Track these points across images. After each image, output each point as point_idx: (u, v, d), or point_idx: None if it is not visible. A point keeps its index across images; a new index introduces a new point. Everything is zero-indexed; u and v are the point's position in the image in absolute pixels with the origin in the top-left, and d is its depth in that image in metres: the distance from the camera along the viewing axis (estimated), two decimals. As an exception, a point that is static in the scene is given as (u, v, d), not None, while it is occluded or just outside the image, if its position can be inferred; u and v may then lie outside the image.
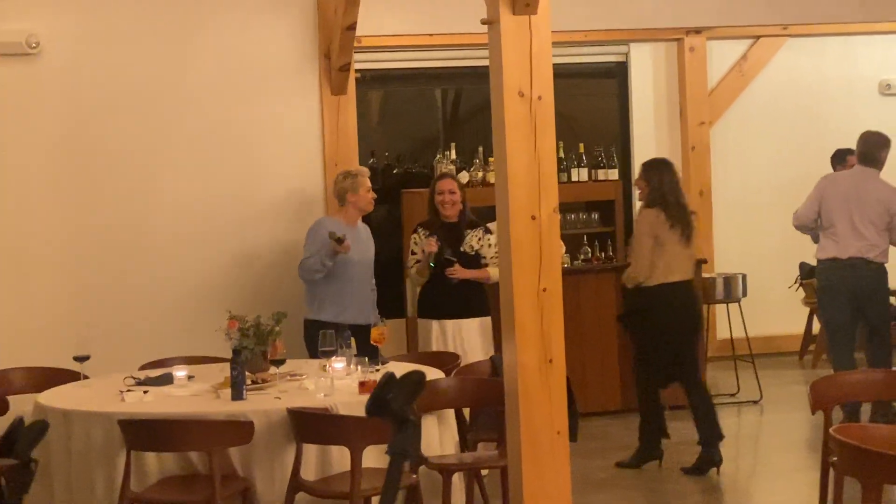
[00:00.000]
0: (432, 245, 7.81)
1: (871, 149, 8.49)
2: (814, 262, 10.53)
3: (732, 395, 9.64)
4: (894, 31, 10.18)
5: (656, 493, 7.18)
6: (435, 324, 7.90)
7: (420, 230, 7.99)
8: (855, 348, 8.62)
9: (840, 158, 10.30)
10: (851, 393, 5.90)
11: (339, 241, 7.41)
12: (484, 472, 6.44)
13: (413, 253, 8.01)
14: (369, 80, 10.46)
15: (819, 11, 9.33)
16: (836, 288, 8.38)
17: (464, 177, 9.59)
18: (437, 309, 7.92)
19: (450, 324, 7.86)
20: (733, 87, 11.41)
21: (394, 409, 3.09)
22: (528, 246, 5.14)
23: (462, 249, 7.88)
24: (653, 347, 7.62)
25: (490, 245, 7.88)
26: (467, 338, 7.84)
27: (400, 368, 6.45)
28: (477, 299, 7.92)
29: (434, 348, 7.76)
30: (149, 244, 8.31)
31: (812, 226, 8.70)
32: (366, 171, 7.87)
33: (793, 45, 11.43)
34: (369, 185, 7.74)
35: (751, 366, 9.71)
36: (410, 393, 3.17)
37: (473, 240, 7.90)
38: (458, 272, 7.78)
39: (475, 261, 7.88)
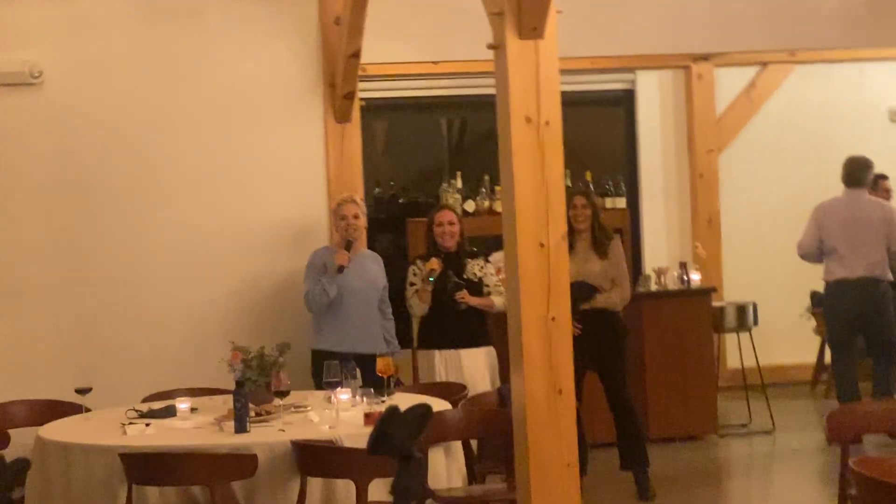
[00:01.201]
0: (434, 263, 7.66)
1: (856, 171, 8.92)
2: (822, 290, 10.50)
3: (744, 425, 9.51)
4: (904, 57, 10.11)
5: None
6: (438, 354, 7.74)
7: (418, 262, 7.87)
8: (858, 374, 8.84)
9: (874, 184, 10.16)
10: (868, 424, 5.76)
11: (340, 269, 7.39)
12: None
13: (412, 284, 7.86)
14: (374, 108, 10.39)
15: (827, 36, 9.25)
16: (846, 309, 8.64)
17: (470, 206, 9.51)
18: (441, 338, 7.74)
19: (453, 353, 7.70)
20: (741, 115, 11.34)
21: (397, 444, 2.90)
22: (536, 274, 5.04)
23: (465, 277, 7.76)
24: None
25: (491, 274, 7.80)
26: (472, 367, 7.68)
27: (405, 400, 6.40)
28: (481, 328, 7.81)
29: (437, 379, 7.60)
30: (151, 274, 8.21)
31: (816, 253, 8.91)
32: (350, 198, 7.74)
33: (801, 72, 11.36)
34: (352, 212, 7.63)
35: (762, 396, 9.58)
36: (415, 427, 2.98)
37: (475, 268, 7.79)
38: (466, 297, 7.65)
39: (478, 288, 7.77)
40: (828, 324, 9.02)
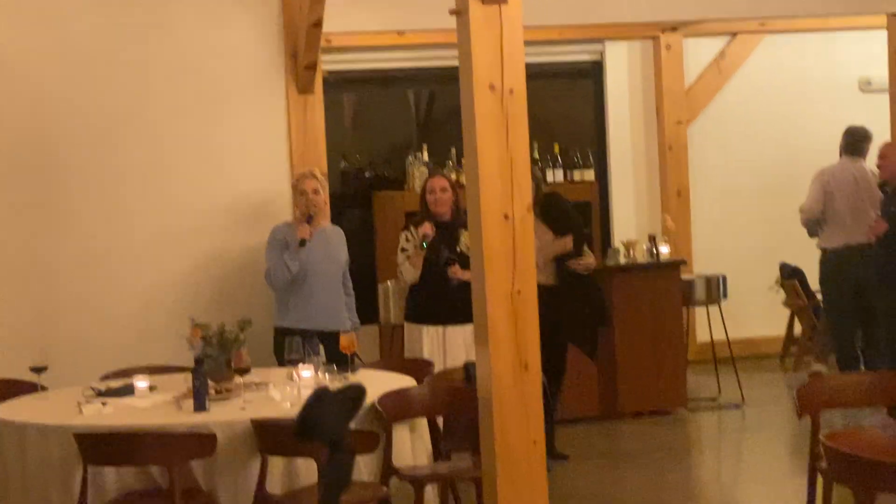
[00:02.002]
0: (427, 227, 7.45)
1: (857, 140, 9.18)
2: (795, 262, 10.47)
3: (713, 398, 9.44)
4: (874, 26, 9.98)
5: (638, 502, 6.95)
6: (429, 329, 7.51)
7: (412, 227, 7.63)
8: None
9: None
10: (839, 398, 5.68)
11: (302, 242, 7.24)
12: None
13: (403, 249, 7.58)
14: (341, 82, 10.25)
15: (797, 4, 9.13)
16: (846, 274, 8.85)
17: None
18: (432, 314, 7.49)
19: (442, 330, 7.51)
20: (711, 86, 11.24)
21: (326, 430, 2.65)
22: (500, 247, 4.93)
23: (459, 250, 7.50)
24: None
25: None
26: (460, 344, 7.45)
27: (371, 376, 6.30)
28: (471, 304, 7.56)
29: (427, 355, 7.38)
30: (110, 250, 8.04)
31: (820, 217, 9.10)
32: (310, 172, 7.55)
33: (771, 41, 11.27)
34: (312, 187, 7.43)
35: (732, 369, 9.52)
36: (347, 411, 2.72)
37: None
38: (458, 272, 7.44)
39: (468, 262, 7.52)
40: (830, 291, 9.20)
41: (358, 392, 2.70)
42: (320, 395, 2.69)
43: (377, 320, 8.98)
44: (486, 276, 4.93)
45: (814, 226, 9.26)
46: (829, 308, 9.42)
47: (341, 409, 2.62)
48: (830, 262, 9.10)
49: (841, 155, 9.35)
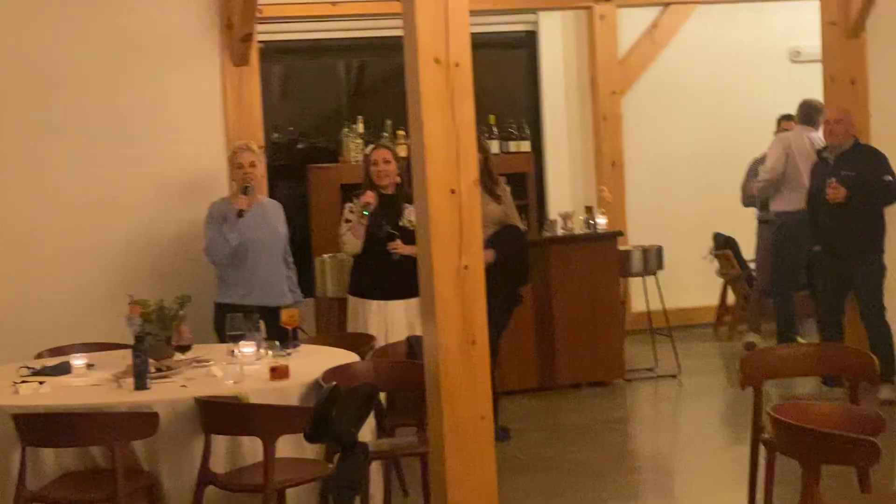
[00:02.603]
0: (369, 196, 7.36)
1: (812, 111, 9.36)
2: (728, 232, 10.55)
3: (650, 369, 9.49)
4: (804, -3, 10.05)
5: (575, 475, 6.96)
6: (372, 303, 7.42)
7: (355, 199, 7.54)
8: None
9: (777, 124, 10.20)
10: (782, 369, 5.72)
11: (240, 213, 7.12)
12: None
13: (347, 221, 7.45)
14: (272, 52, 10.12)
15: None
16: (805, 237, 8.80)
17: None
18: (376, 288, 7.39)
19: (389, 304, 7.37)
20: (644, 56, 11.27)
21: (339, 431, 2.54)
22: (447, 221, 4.87)
23: (401, 224, 7.38)
24: None
25: None
26: (404, 319, 7.34)
27: (313, 352, 6.24)
28: (415, 279, 7.49)
29: (370, 330, 7.26)
30: (43, 227, 7.87)
31: (780, 178, 9.31)
32: (246, 145, 7.41)
33: (702, 11, 11.32)
34: (248, 160, 7.28)
35: (668, 339, 9.57)
36: (359, 410, 2.61)
37: (413, 214, 7.43)
38: (399, 247, 7.36)
39: (414, 236, 7.43)
40: (789, 254, 9.37)
41: (369, 390, 2.61)
42: (332, 395, 2.57)
43: (313, 294, 8.91)
44: (433, 251, 4.88)
45: (772, 190, 9.38)
46: (781, 271, 9.47)
47: (354, 409, 2.52)
48: (788, 226, 9.22)
49: (797, 124, 9.56)
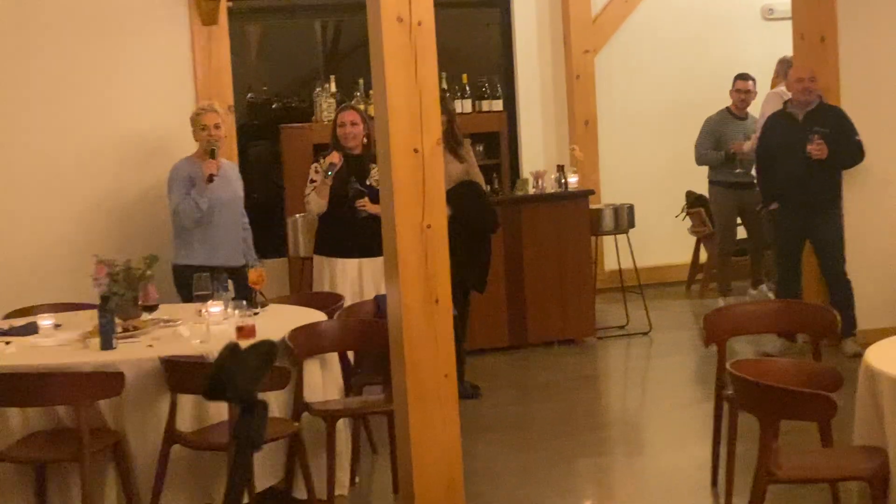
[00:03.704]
0: (334, 156, 7.37)
1: (789, 68, 8.92)
2: (700, 191, 10.59)
3: (622, 327, 9.54)
4: (777, -45, 10.07)
5: (546, 432, 7.02)
6: (339, 262, 7.44)
7: (321, 160, 7.54)
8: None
9: (733, 83, 10.22)
10: (744, 326, 5.77)
11: (210, 178, 7.08)
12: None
13: (312, 181, 7.47)
14: (245, 12, 10.07)
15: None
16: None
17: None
18: (342, 247, 7.42)
19: (352, 262, 7.44)
20: (617, 14, 11.24)
21: (238, 388, 2.56)
22: (410, 181, 4.89)
23: (368, 183, 7.39)
24: None
25: None
26: (370, 277, 7.39)
27: (281, 311, 6.26)
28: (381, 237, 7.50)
29: (337, 289, 7.29)
30: (10, 186, 7.84)
31: None
32: (210, 106, 7.32)
33: (676, -30, 11.29)
34: (213, 122, 7.19)
35: (639, 297, 9.62)
36: (258, 368, 2.63)
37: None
38: (367, 205, 7.32)
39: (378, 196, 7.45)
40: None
41: (269, 348, 2.63)
42: (230, 353, 2.59)
43: (286, 254, 8.92)
44: (396, 210, 4.91)
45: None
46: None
47: (253, 367, 2.55)
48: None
49: (782, 81, 9.47)
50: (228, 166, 7.44)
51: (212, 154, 7.13)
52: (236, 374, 2.51)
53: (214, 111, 7.26)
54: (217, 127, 7.22)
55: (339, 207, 7.37)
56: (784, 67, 9.59)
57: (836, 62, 8.47)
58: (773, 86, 9.98)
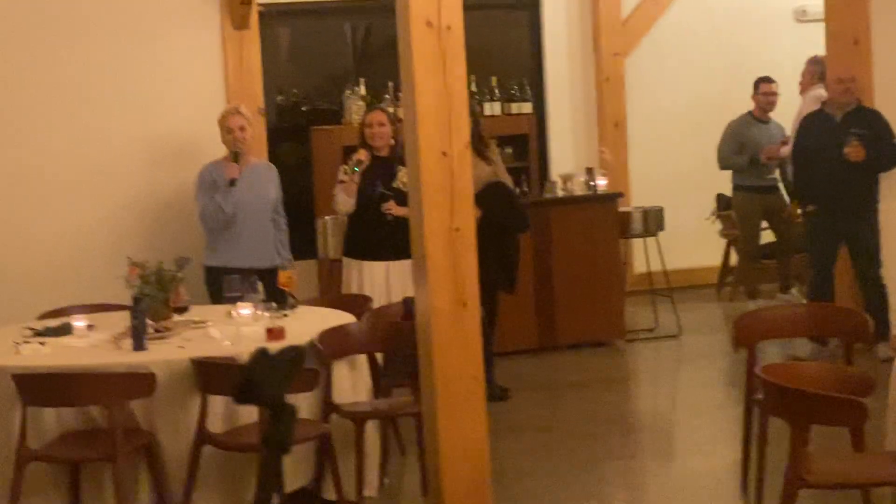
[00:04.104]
0: (361, 154, 7.40)
1: (825, 69, 8.88)
2: (730, 194, 10.56)
3: (650, 330, 9.53)
4: (809, -43, 10.05)
5: (574, 434, 7.02)
6: (366, 265, 7.47)
7: (350, 160, 7.57)
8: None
9: (755, 87, 10.21)
10: (774, 329, 5.76)
11: (232, 182, 7.13)
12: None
13: (341, 181, 7.48)
14: (276, 15, 10.12)
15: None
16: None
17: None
18: (370, 249, 7.46)
19: (382, 265, 7.45)
20: (647, 17, 11.24)
21: (267, 393, 2.60)
22: (438, 184, 4.91)
23: (394, 185, 7.43)
24: None
25: None
26: (398, 280, 7.41)
27: (310, 313, 6.29)
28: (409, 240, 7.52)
29: (365, 291, 7.31)
30: (44, 189, 7.94)
31: None
32: (235, 108, 7.40)
33: (707, -28, 11.28)
34: (238, 124, 7.28)
35: (669, 300, 9.60)
36: (286, 373, 2.67)
37: (406, 176, 7.45)
38: (393, 208, 7.38)
39: (405, 198, 7.49)
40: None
41: (296, 353, 2.66)
42: (259, 359, 2.63)
43: (315, 255, 8.96)
44: (425, 212, 4.93)
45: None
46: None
47: (282, 372, 2.58)
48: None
49: (820, 82, 9.39)
50: (263, 168, 7.50)
51: (234, 157, 7.19)
52: (265, 379, 2.55)
53: (240, 114, 7.32)
54: (242, 129, 7.29)
55: (366, 209, 7.41)
56: (818, 68, 9.53)
57: (870, 64, 8.44)
58: (804, 87, 9.94)
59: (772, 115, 10.14)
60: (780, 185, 10.05)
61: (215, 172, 7.27)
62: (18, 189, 7.91)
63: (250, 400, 2.63)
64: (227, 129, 7.31)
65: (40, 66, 7.91)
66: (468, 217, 4.95)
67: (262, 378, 2.55)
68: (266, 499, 2.72)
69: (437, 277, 4.91)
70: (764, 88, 10.09)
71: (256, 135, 7.63)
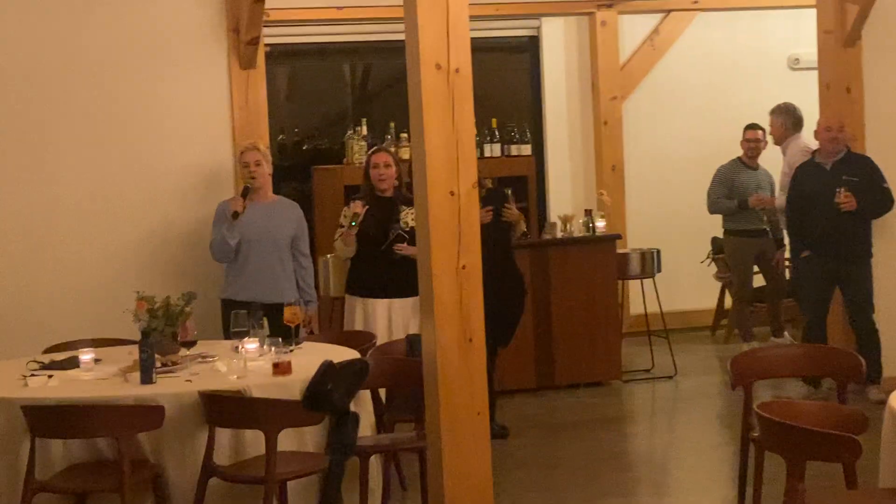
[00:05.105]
0: (357, 206, 7.55)
1: (800, 117, 9.64)
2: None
3: (647, 370, 9.63)
4: (803, 5, 10.15)
5: (573, 472, 7.11)
6: (370, 302, 7.59)
7: (351, 203, 7.72)
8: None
9: (743, 133, 10.32)
10: (770, 369, 5.86)
11: (235, 215, 7.29)
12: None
13: (341, 226, 7.68)
14: (278, 54, 10.25)
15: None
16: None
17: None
18: (373, 287, 7.59)
19: (385, 303, 7.57)
20: (645, 62, 11.39)
21: (334, 401, 2.78)
22: (446, 222, 5.04)
23: (400, 224, 7.58)
24: None
25: None
26: (403, 318, 7.54)
27: (315, 349, 6.38)
28: (414, 278, 7.64)
29: (368, 328, 7.42)
30: (53, 223, 8.01)
31: None
32: (253, 145, 7.59)
33: (703, 19, 11.44)
34: (254, 159, 7.47)
35: (665, 341, 9.70)
36: (352, 383, 2.84)
37: (409, 217, 7.57)
38: (404, 248, 7.46)
39: (412, 238, 7.63)
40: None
41: (361, 365, 2.83)
42: (327, 369, 2.81)
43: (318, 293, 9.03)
44: (432, 251, 5.04)
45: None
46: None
47: (346, 382, 2.74)
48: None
49: (794, 131, 9.71)
50: (283, 205, 7.65)
51: (244, 191, 7.34)
52: (333, 388, 2.69)
53: (257, 149, 7.51)
54: (258, 164, 7.47)
55: (374, 248, 7.52)
56: (784, 118, 9.66)
57: (862, 112, 8.59)
58: (777, 138, 9.96)
59: (761, 161, 10.24)
60: (768, 230, 10.14)
61: (228, 207, 7.41)
62: (29, 223, 7.97)
63: (318, 407, 2.80)
64: (243, 163, 7.52)
65: (51, 102, 8.00)
66: (475, 255, 5.06)
67: (328, 388, 2.70)
68: (332, 499, 2.88)
69: (444, 314, 5.02)
70: (749, 135, 10.18)
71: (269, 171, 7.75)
